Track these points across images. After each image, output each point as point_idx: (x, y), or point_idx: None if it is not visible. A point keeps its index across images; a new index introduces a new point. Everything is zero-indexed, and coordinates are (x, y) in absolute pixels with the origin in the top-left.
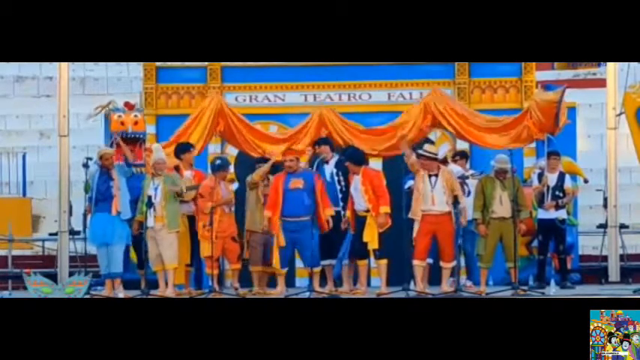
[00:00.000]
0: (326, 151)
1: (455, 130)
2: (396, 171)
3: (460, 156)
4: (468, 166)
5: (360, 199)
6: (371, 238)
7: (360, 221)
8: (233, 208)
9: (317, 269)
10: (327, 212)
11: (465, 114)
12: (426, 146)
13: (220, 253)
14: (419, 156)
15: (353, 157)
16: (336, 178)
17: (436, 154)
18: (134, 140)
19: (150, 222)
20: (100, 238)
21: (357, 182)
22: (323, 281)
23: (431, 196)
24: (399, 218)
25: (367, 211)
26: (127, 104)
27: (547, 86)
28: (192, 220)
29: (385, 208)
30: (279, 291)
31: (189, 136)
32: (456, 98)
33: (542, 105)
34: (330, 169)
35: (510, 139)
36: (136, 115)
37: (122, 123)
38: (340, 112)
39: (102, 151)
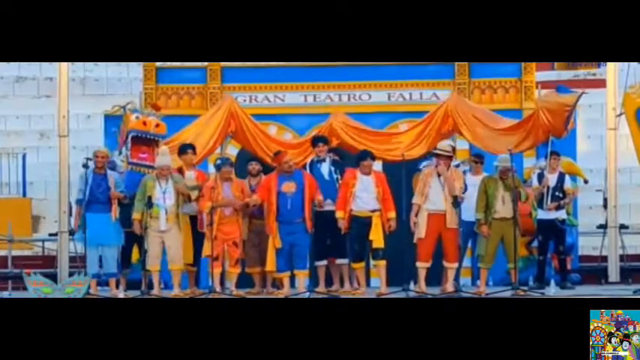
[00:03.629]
0: (324, 150)
1: (472, 138)
2: (397, 173)
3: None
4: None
5: (372, 200)
6: (377, 237)
7: (358, 222)
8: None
9: (305, 271)
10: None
11: (482, 118)
12: (441, 144)
13: (221, 254)
14: (436, 155)
15: (373, 157)
16: (335, 176)
17: (450, 152)
18: (149, 142)
19: (162, 225)
20: (95, 239)
21: (367, 183)
22: (315, 281)
23: (443, 194)
24: (398, 219)
25: (373, 211)
26: (154, 106)
27: (559, 88)
28: (193, 220)
29: (392, 213)
30: (285, 292)
31: (197, 137)
32: None
33: (552, 107)
34: (327, 167)
35: (519, 142)
36: (155, 117)
37: (144, 123)
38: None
39: (97, 150)
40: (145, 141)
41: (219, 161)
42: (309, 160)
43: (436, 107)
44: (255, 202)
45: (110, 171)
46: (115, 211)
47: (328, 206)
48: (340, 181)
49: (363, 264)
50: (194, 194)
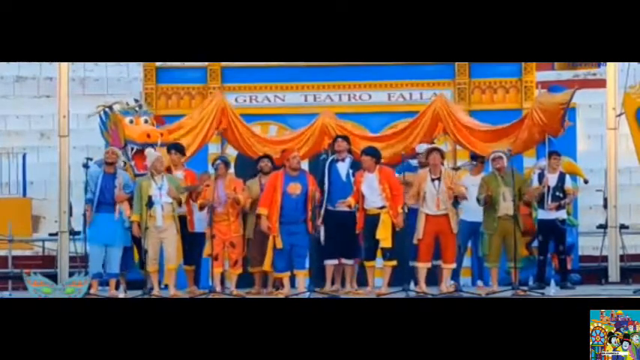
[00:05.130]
0: (344, 148)
1: (458, 141)
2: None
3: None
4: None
5: (376, 197)
6: (385, 235)
7: (369, 220)
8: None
9: (304, 271)
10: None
11: (467, 123)
12: (421, 147)
13: (221, 253)
14: (432, 150)
15: (375, 154)
16: (352, 179)
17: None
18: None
19: (159, 221)
20: (102, 238)
21: (371, 180)
22: (321, 281)
23: (437, 200)
24: None
25: (380, 207)
26: (157, 118)
27: (551, 87)
28: (183, 220)
29: (401, 208)
30: (286, 292)
31: (187, 134)
32: (456, 99)
33: (547, 107)
34: (345, 168)
35: (513, 144)
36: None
37: (148, 135)
38: (340, 113)
39: (109, 149)
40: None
41: (217, 161)
42: (328, 160)
43: (424, 107)
44: (238, 199)
45: (120, 171)
46: (126, 210)
47: (339, 206)
48: None
49: (374, 263)
50: (183, 196)
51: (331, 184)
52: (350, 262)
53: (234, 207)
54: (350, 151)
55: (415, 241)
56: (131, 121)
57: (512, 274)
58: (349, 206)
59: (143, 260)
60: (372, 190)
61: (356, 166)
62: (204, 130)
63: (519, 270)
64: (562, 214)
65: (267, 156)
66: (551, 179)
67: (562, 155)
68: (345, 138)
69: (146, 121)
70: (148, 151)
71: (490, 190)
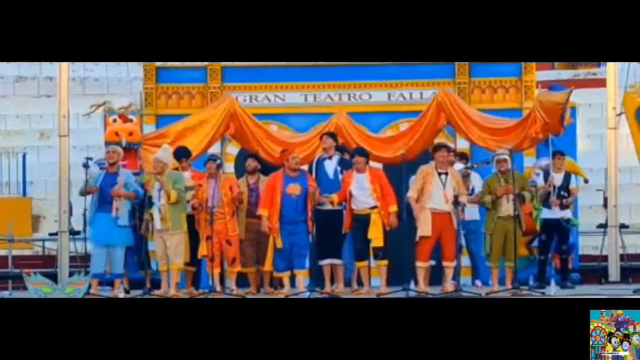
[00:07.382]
0: (331, 146)
1: (464, 133)
2: (397, 172)
3: (460, 157)
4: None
5: (367, 198)
6: (376, 235)
7: (359, 220)
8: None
9: (304, 271)
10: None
11: (472, 116)
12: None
13: (217, 253)
14: (439, 147)
15: (366, 154)
16: (340, 176)
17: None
18: (127, 150)
19: (157, 224)
20: (103, 238)
21: (361, 181)
22: (320, 282)
23: (443, 194)
24: (398, 218)
25: (372, 208)
26: (122, 117)
27: (551, 87)
28: (191, 219)
29: (394, 207)
30: (286, 292)
31: (192, 135)
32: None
33: (547, 106)
34: (333, 165)
35: (516, 141)
36: (134, 116)
37: (116, 133)
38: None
39: (110, 148)
40: (125, 151)
41: (209, 160)
42: (315, 157)
43: (427, 105)
44: (242, 198)
45: (122, 170)
46: (120, 209)
47: (329, 205)
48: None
49: (366, 263)
50: (187, 195)
51: (318, 182)
52: (339, 262)
53: (229, 206)
54: (338, 149)
55: (417, 239)
56: (114, 121)
57: (509, 274)
58: (331, 203)
59: (142, 259)
60: (363, 191)
61: (344, 164)
62: (212, 132)
63: (518, 270)
64: (567, 214)
65: (252, 155)
66: (557, 179)
67: (566, 155)
68: (332, 135)
69: (131, 121)
70: (164, 148)
71: (493, 191)
